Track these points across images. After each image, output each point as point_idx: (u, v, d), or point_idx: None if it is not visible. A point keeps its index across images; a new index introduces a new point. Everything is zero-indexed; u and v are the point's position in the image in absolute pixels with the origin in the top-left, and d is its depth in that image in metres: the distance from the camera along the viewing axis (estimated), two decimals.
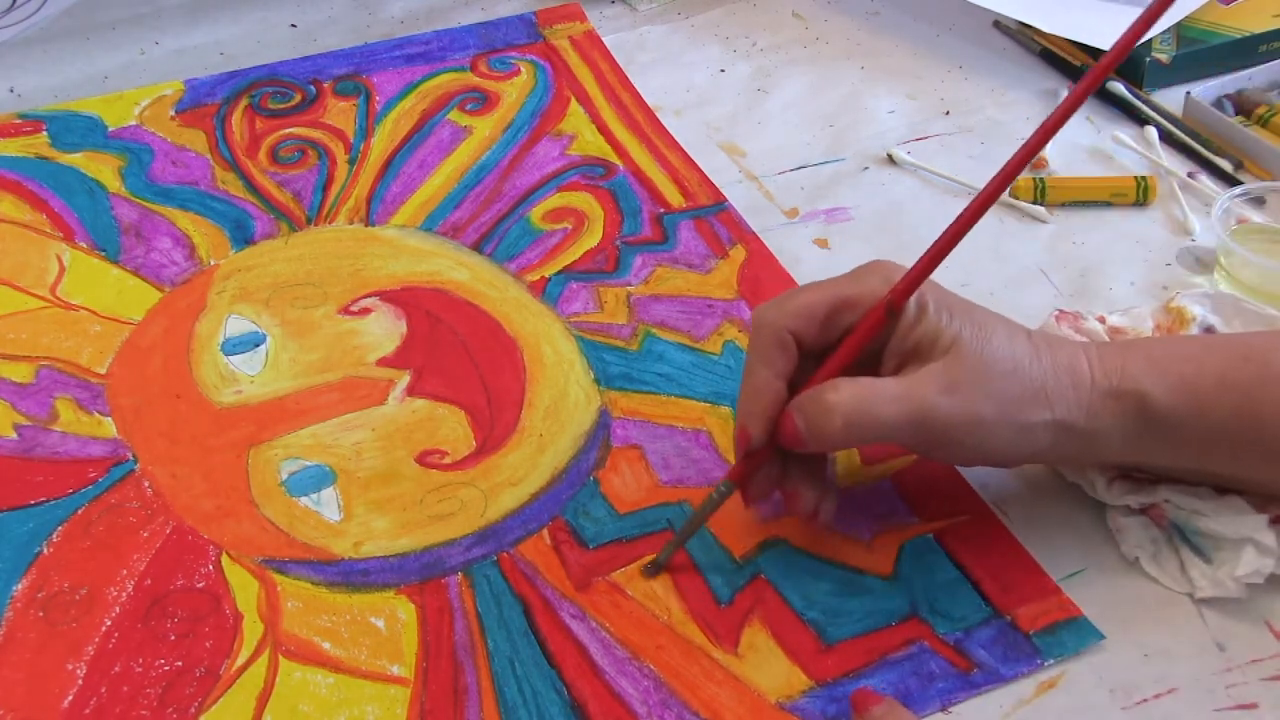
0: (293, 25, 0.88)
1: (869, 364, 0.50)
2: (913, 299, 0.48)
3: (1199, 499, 0.52)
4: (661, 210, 0.71)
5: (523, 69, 0.82)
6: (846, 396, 0.47)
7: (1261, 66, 0.79)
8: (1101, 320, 0.60)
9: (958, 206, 0.71)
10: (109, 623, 0.50)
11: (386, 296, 0.65)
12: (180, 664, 0.49)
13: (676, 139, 0.77)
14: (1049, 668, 0.49)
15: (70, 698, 0.47)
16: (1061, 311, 0.60)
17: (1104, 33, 0.80)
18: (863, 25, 0.89)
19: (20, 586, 0.51)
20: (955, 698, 0.48)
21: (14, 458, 0.56)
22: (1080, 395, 0.49)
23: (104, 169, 0.73)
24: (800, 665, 0.49)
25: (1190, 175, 0.73)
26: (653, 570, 0.52)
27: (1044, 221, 0.71)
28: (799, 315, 0.49)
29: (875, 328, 0.48)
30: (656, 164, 0.75)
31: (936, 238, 0.49)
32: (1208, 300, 0.60)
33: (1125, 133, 0.77)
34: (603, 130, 0.77)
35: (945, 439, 0.48)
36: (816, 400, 0.48)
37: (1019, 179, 0.72)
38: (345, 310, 0.64)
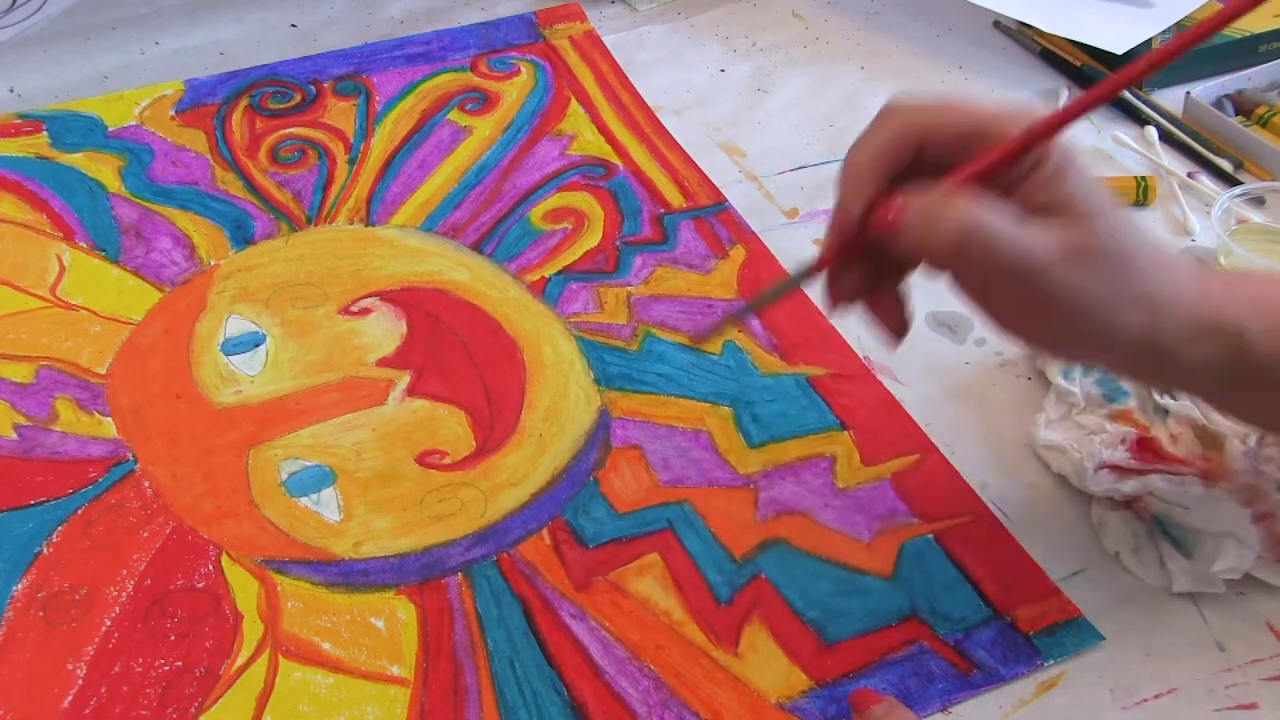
0: (293, 25, 0.88)
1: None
2: (1059, 151, 0.43)
3: (1184, 493, 0.52)
4: (661, 210, 0.71)
5: (523, 69, 0.82)
6: (977, 210, 0.42)
7: (1261, 66, 0.79)
8: None
9: None
10: (109, 623, 0.50)
11: (386, 297, 0.65)
12: (180, 664, 0.49)
13: (676, 139, 0.77)
14: (1048, 668, 0.49)
15: (70, 698, 0.47)
16: None
17: (1104, 32, 0.80)
18: (863, 25, 0.89)
19: (20, 586, 0.51)
20: (955, 698, 0.48)
21: (14, 458, 0.56)
22: (1181, 321, 0.44)
23: (104, 169, 0.73)
24: (800, 665, 0.49)
25: (1190, 175, 0.74)
26: (700, 337, 0.48)
27: None
28: (935, 116, 0.44)
29: (1030, 139, 0.43)
30: (657, 164, 0.75)
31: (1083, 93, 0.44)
32: None
33: (1125, 133, 0.77)
34: (603, 130, 0.77)
35: (1039, 311, 0.44)
36: (942, 199, 0.43)
37: None
38: (345, 310, 0.64)
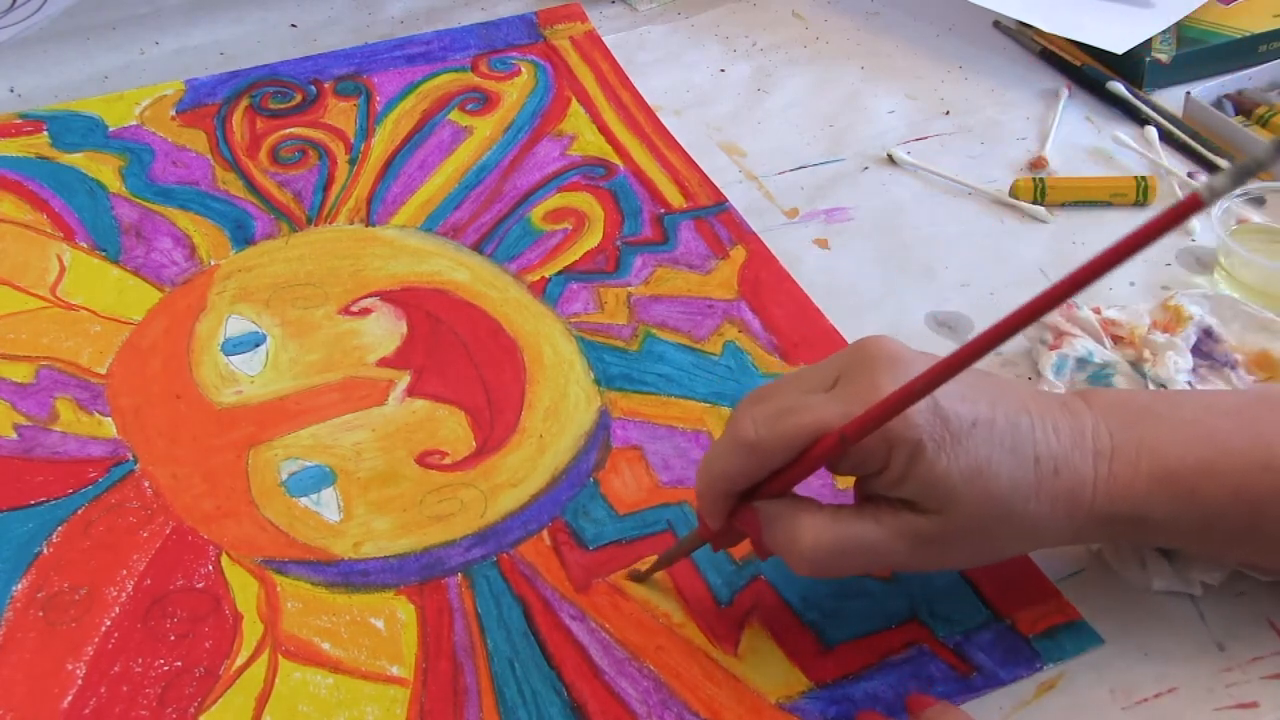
0: (293, 25, 0.88)
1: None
2: (905, 452, 0.43)
3: None
4: (662, 210, 0.71)
5: (523, 69, 0.82)
6: (823, 541, 0.44)
7: (1261, 66, 0.79)
8: (1096, 311, 0.60)
9: (958, 206, 0.72)
10: (109, 623, 0.50)
11: (387, 297, 0.65)
12: (180, 664, 0.49)
13: (677, 139, 0.77)
14: (1048, 670, 0.49)
15: (70, 698, 0.47)
16: None
17: (1104, 32, 0.80)
18: (863, 25, 0.89)
19: (20, 586, 0.51)
20: (955, 700, 0.48)
21: (14, 458, 0.56)
22: (1075, 524, 0.46)
23: (104, 169, 0.73)
24: (800, 666, 0.49)
25: (1190, 175, 0.73)
26: (638, 577, 0.52)
27: (1044, 221, 0.71)
28: (777, 444, 0.44)
29: (827, 456, 0.44)
30: (657, 164, 0.75)
31: (911, 380, 0.41)
32: (1206, 301, 0.60)
33: (1125, 133, 0.77)
34: (603, 130, 0.77)
35: (919, 567, 0.47)
36: (789, 530, 0.45)
37: (1019, 179, 0.72)
38: (345, 310, 0.64)
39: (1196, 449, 0.46)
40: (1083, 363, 0.58)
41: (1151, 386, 0.57)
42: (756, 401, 0.46)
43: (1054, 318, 0.60)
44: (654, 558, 0.52)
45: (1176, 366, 0.57)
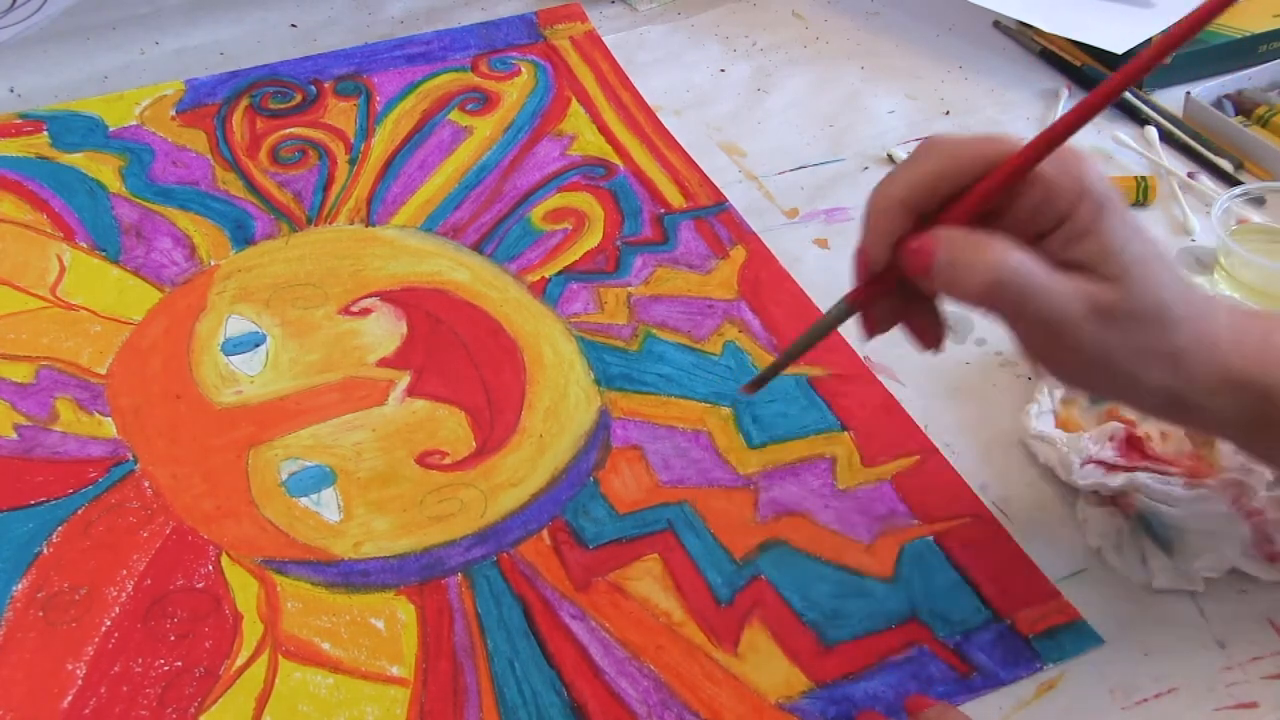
0: (293, 25, 0.88)
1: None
2: (1092, 204, 0.42)
3: (1170, 491, 0.52)
4: (662, 210, 0.71)
5: (523, 69, 0.82)
6: (1009, 259, 0.41)
7: (1261, 66, 0.79)
8: None
9: None
10: (109, 623, 0.50)
11: (387, 297, 0.65)
12: (180, 664, 0.49)
13: (677, 139, 0.77)
14: (1047, 670, 0.49)
15: (70, 698, 0.47)
16: None
17: (1104, 32, 0.80)
18: (863, 25, 0.89)
19: (20, 586, 0.51)
20: (954, 701, 0.48)
21: (14, 458, 0.56)
22: (1211, 373, 0.44)
23: (104, 169, 0.73)
24: (800, 666, 0.49)
25: (1190, 175, 0.73)
26: (754, 387, 0.48)
27: None
28: (966, 151, 0.43)
29: (1019, 168, 0.42)
30: (657, 164, 0.75)
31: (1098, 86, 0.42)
32: None
33: (1125, 133, 0.77)
34: (603, 130, 0.77)
35: (1066, 359, 0.44)
36: (974, 243, 0.42)
37: None
38: (345, 310, 0.64)
39: None
40: None
41: None
42: (939, 140, 0.44)
43: None
44: (774, 360, 0.48)
45: None
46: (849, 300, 0.45)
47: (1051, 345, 0.44)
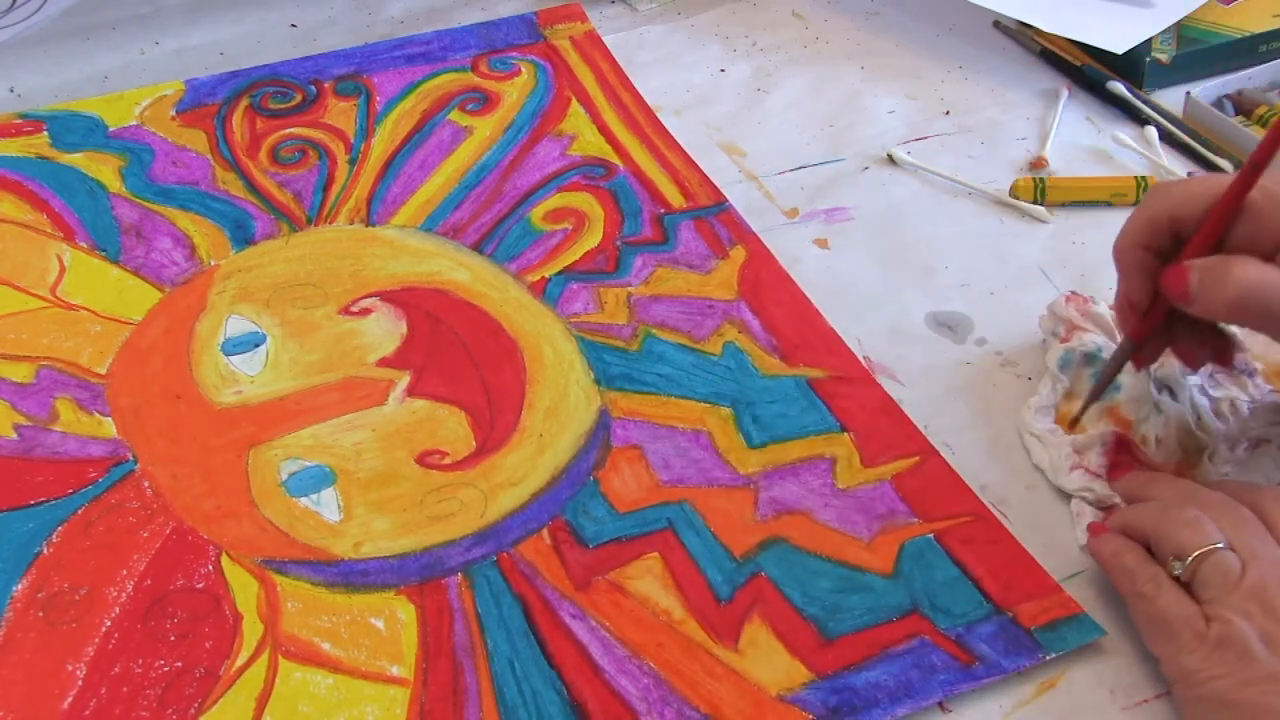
0: (293, 25, 0.88)
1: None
2: None
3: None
4: (662, 210, 0.71)
5: (523, 69, 0.82)
6: (1250, 272, 0.48)
7: (1261, 66, 0.79)
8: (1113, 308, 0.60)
9: (958, 206, 0.72)
10: (109, 623, 0.50)
11: (387, 297, 0.65)
12: (180, 664, 0.49)
13: (677, 139, 0.77)
14: (1050, 664, 0.49)
15: (70, 698, 0.47)
16: (1073, 293, 0.61)
17: (1104, 32, 0.80)
18: (863, 25, 0.89)
19: (20, 586, 0.51)
20: (957, 689, 0.48)
21: (14, 458, 0.56)
22: None
23: (104, 169, 0.73)
24: (801, 659, 0.49)
25: (1190, 175, 0.73)
26: (1075, 422, 0.57)
27: (1044, 221, 0.71)
28: (1173, 201, 0.51)
29: (1242, 191, 0.49)
30: (657, 164, 0.75)
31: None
32: None
33: (1125, 133, 0.77)
34: (603, 130, 0.77)
35: None
36: (1219, 265, 0.48)
37: (1019, 179, 0.72)
38: (345, 310, 0.64)
39: None
40: (1089, 357, 0.58)
41: (1155, 389, 0.57)
42: (1163, 189, 0.52)
43: (1069, 312, 0.60)
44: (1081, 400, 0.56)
45: (1184, 369, 0.57)
46: (1131, 336, 0.54)
47: None
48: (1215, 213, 0.50)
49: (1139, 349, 0.54)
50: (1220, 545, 0.47)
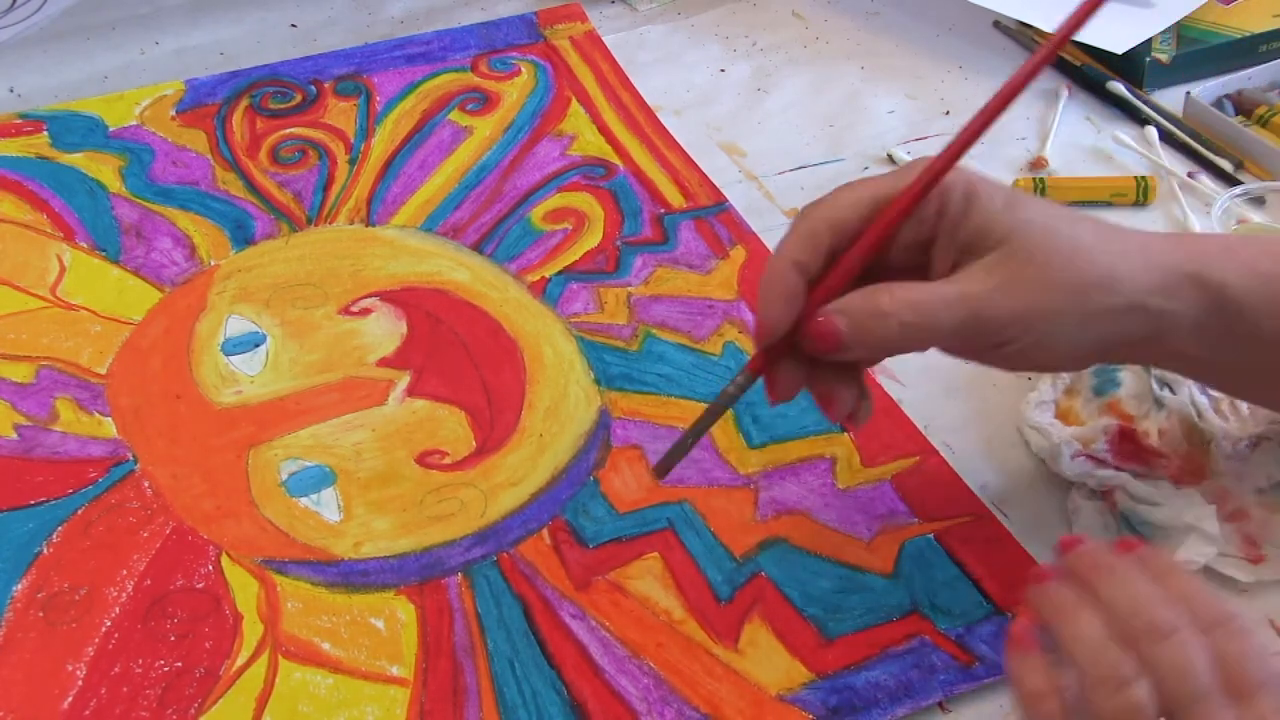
0: (293, 25, 0.88)
1: (917, 268, 0.46)
2: (960, 191, 0.44)
3: (1154, 489, 0.52)
4: (662, 210, 0.71)
5: (523, 69, 0.82)
6: (903, 303, 0.44)
7: (1261, 66, 0.79)
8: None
9: None
10: (109, 623, 0.50)
11: (387, 297, 0.65)
12: (180, 664, 0.49)
13: (677, 139, 0.77)
14: None
15: (70, 698, 0.47)
16: None
17: (1104, 32, 0.80)
18: (863, 25, 0.89)
19: (20, 586, 0.51)
20: (957, 689, 0.48)
21: (14, 458, 0.56)
22: (1152, 276, 0.45)
23: (104, 169, 0.73)
24: (801, 659, 0.49)
25: (1190, 175, 0.73)
26: (662, 471, 0.49)
27: None
28: (836, 209, 0.45)
29: (906, 212, 0.45)
30: (657, 164, 0.75)
31: (967, 123, 0.45)
32: None
33: (1125, 133, 0.77)
34: (603, 130, 0.77)
35: (1005, 339, 0.44)
36: (868, 302, 0.44)
37: (1019, 179, 0.72)
38: (345, 310, 0.64)
39: (1257, 243, 0.48)
40: None
41: (1155, 385, 0.57)
42: (813, 202, 0.47)
43: None
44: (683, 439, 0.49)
45: None
46: (750, 369, 0.47)
47: (988, 340, 0.44)
48: (873, 232, 0.45)
49: (768, 377, 0.47)
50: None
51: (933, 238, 0.45)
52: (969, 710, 0.48)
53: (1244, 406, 0.56)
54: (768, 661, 0.49)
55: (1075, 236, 0.44)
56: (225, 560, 0.52)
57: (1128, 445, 0.55)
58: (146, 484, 0.56)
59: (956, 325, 0.44)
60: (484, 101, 0.79)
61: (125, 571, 0.52)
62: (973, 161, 0.75)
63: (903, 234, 0.45)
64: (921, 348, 0.46)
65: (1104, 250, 0.45)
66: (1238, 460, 0.55)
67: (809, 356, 0.46)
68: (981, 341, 0.45)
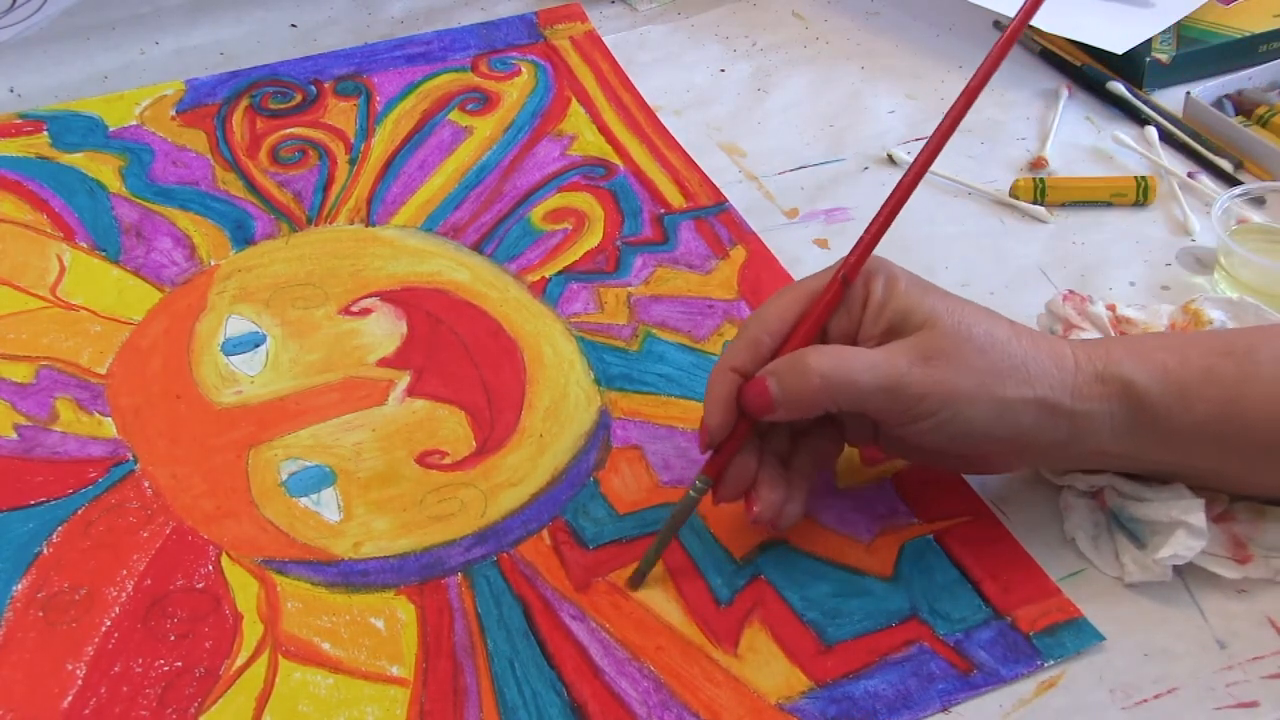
0: (293, 25, 0.88)
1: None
2: (881, 279, 0.49)
3: (1142, 486, 0.52)
4: (662, 210, 0.71)
5: (523, 69, 0.82)
6: (825, 358, 0.48)
7: (1261, 66, 0.79)
8: (1111, 308, 0.60)
9: (958, 206, 0.72)
10: (109, 623, 0.50)
11: (387, 297, 0.65)
12: (180, 664, 0.49)
13: (677, 139, 0.77)
14: (1049, 668, 0.49)
15: (70, 698, 0.47)
16: (1070, 292, 0.60)
17: (1104, 32, 0.80)
18: (863, 25, 0.89)
19: (20, 586, 0.51)
20: (955, 698, 0.48)
21: (14, 458, 0.56)
22: (1064, 376, 0.48)
23: (104, 169, 0.73)
24: (800, 666, 0.49)
25: (1190, 175, 0.73)
26: (637, 581, 0.51)
27: (1044, 221, 0.71)
28: (769, 319, 0.50)
29: (832, 303, 0.49)
30: (657, 164, 0.75)
31: (879, 209, 0.50)
32: (1230, 306, 0.59)
33: (1125, 133, 0.77)
34: (603, 130, 0.77)
35: (921, 411, 0.47)
36: (793, 362, 0.48)
37: (1019, 179, 0.72)
38: (345, 310, 0.64)
39: (1158, 340, 0.53)
40: None
41: None
42: (752, 315, 0.51)
43: (1066, 310, 0.60)
44: (643, 557, 0.51)
45: None
46: (705, 473, 0.50)
47: (904, 408, 0.48)
48: (809, 317, 0.49)
49: (715, 484, 0.50)
50: None
51: (856, 321, 0.50)
52: (968, 710, 0.48)
53: None
54: (767, 668, 0.49)
55: (991, 330, 0.48)
56: (225, 560, 0.52)
57: None
58: (146, 484, 0.56)
59: (875, 387, 0.47)
60: (484, 101, 0.79)
61: (125, 571, 0.52)
62: (970, 162, 0.76)
63: (833, 325, 0.50)
64: (844, 407, 0.48)
65: (1017, 346, 0.48)
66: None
67: (755, 459, 0.50)
68: (901, 409, 0.48)
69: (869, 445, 0.53)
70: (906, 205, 0.73)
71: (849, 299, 0.50)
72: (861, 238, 0.49)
